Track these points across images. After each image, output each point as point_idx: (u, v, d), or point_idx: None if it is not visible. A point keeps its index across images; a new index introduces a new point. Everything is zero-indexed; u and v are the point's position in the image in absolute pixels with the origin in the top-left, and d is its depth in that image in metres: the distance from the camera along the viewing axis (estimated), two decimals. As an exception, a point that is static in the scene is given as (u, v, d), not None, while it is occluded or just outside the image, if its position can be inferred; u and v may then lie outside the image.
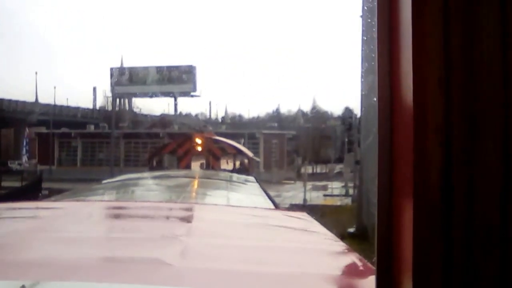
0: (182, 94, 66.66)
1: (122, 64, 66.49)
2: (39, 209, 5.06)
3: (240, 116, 66.72)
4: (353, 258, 3.11)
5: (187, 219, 4.43)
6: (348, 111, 52.11)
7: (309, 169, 47.44)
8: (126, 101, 66.94)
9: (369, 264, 2.79)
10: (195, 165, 30.68)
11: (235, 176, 17.90)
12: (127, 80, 65.59)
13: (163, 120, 62.24)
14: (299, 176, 47.44)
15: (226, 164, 33.05)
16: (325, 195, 36.30)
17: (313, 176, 46.55)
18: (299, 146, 57.97)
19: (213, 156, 31.30)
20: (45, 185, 35.51)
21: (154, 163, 31.43)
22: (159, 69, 66.56)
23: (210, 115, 58.61)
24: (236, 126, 58.13)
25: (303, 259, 3.07)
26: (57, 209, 5.08)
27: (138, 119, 66.01)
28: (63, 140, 57.53)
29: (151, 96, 66.83)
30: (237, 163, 33.08)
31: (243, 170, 29.22)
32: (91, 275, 2.60)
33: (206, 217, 4.61)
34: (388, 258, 1.52)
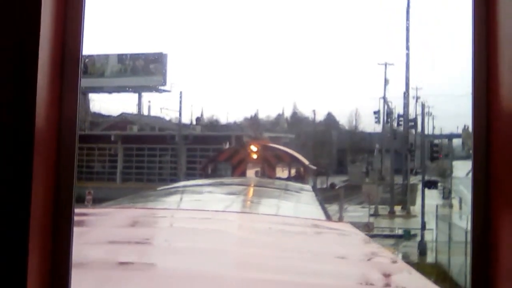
0: (148, 89, 53.88)
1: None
2: (88, 215, 5.01)
3: (216, 120, 59.26)
4: (410, 273, 3.11)
5: (235, 229, 4.45)
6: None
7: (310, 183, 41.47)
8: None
9: (426, 280, 2.79)
10: (250, 173, 30.33)
11: (291, 184, 17.94)
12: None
13: (123, 121, 52.31)
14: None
15: (282, 172, 32.14)
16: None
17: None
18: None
19: (268, 163, 31.19)
20: None
21: (209, 171, 31.39)
22: (120, 58, 53.21)
23: (180, 113, 47.47)
24: (215, 129, 51.02)
25: (358, 272, 3.08)
26: (101, 216, 5.06)
27: (95, 119, 54.79)
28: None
29: (110, 92, 55.14)
30: (293, 171, 32.21)
31: (298, 178, 29.52)
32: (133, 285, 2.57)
33: (253, 227, 4.79)
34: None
